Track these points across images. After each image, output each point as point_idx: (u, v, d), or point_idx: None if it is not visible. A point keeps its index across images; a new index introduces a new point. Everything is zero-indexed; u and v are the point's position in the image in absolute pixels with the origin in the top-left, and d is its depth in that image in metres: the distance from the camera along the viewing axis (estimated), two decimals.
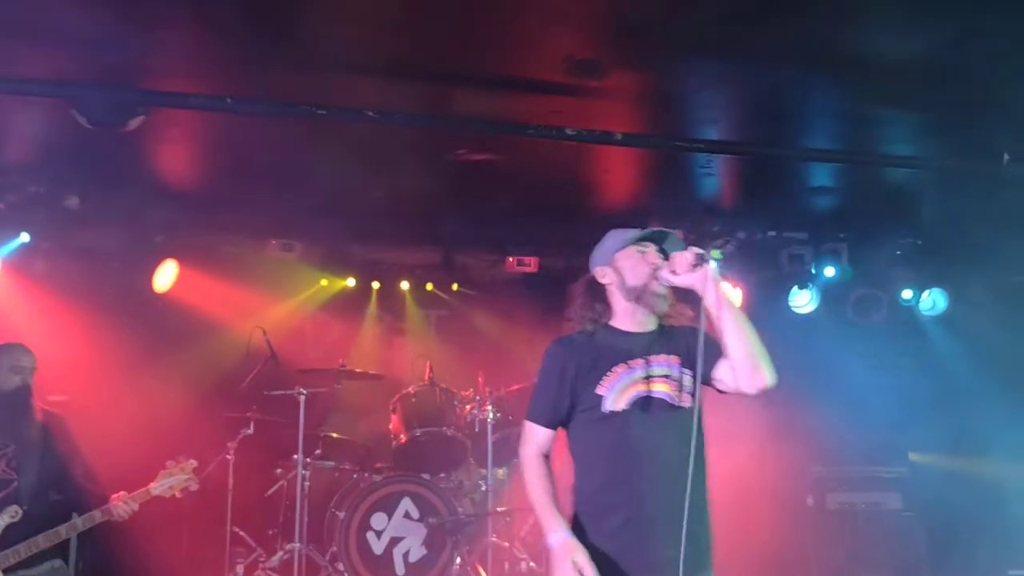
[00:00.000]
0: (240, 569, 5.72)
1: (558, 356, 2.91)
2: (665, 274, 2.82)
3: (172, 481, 4.03)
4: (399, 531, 5.81)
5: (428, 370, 6.24)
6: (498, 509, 5.91)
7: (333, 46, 3.97)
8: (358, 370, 6.37)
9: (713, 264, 2.79)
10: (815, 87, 4.53)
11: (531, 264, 7.17)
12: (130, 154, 5.14)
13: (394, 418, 6.16)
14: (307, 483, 5.80)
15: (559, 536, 2.69)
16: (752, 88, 4.52)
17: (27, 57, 3.96)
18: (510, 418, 6.02)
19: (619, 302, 2.94)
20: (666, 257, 2.89)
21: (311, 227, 6.68)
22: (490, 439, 5.84)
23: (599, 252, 3.03)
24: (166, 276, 6.41)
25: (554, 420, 2.91)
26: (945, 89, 4.40)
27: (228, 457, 5.79)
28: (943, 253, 6.78)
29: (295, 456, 5.81)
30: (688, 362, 2.85)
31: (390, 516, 5.82)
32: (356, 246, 7.26)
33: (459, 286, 7.59)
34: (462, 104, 4.65)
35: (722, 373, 2.84)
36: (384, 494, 5.85)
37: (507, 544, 5.81)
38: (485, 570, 5.73)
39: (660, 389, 2.81)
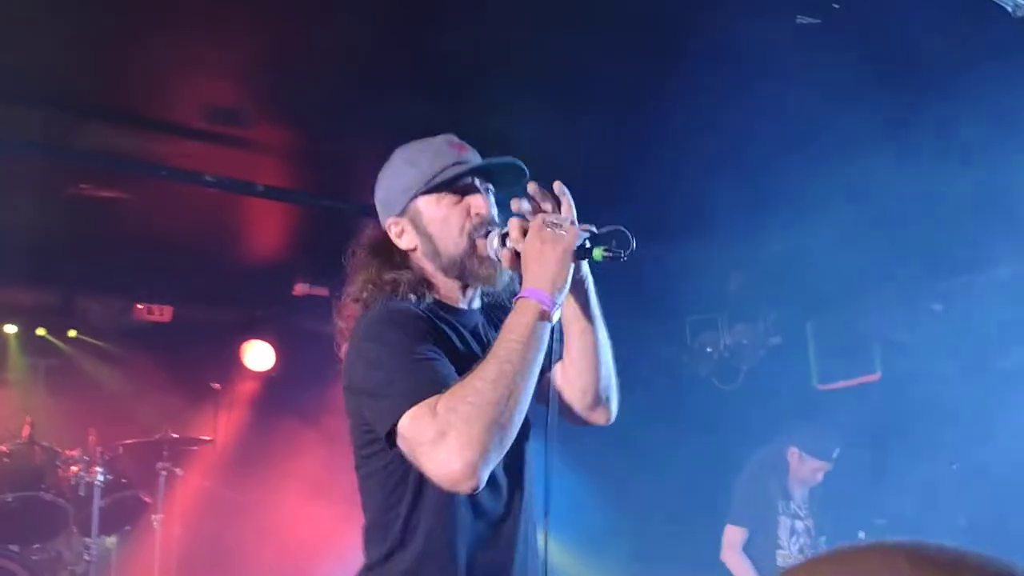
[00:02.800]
0: None
1: (420, 318, 1.79)
2: (507, 244, 1.80)
3: None
4: None
5: (28, 425, 5.55)
6: None
7: None
8: None
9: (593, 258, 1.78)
10: None
11: (164, 313, 6.73)
12: None
13: None
14: None
15: None
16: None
17: None
18: (123, 481, 5.53)
19: (434, 274, 1.92)
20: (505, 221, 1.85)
21: None
22: (97, 504, 5.30)
23: (387, 193, 1.94)
24: None
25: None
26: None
27: None
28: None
29: None
30: None
31: None
32: None
33: (78, 333, 6.89)
34: (89, 137, 4.29)
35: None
36: None
37: None
38: None
39: None
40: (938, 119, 3.69)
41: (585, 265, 1.87)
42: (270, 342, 7.08)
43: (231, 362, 6.99)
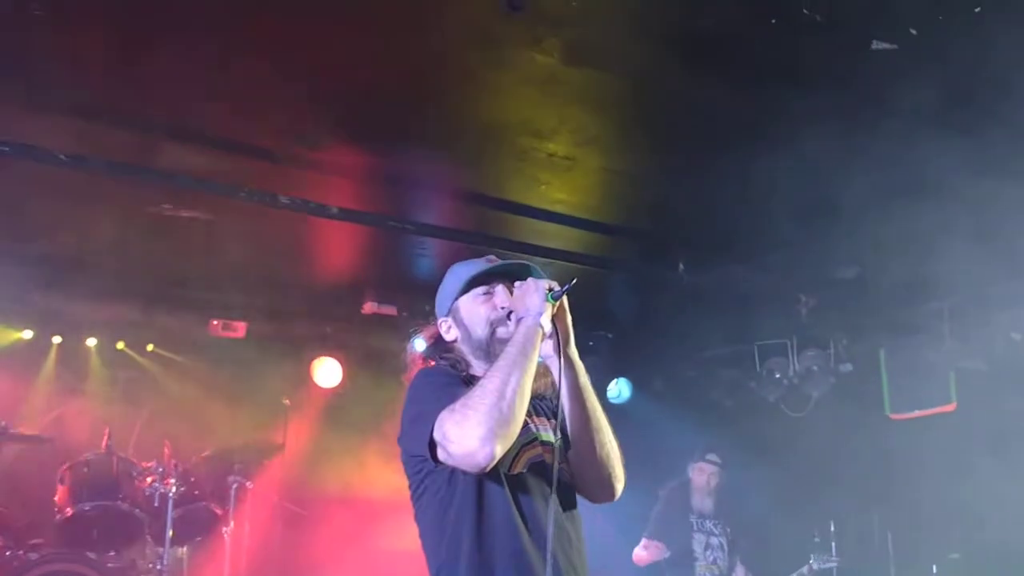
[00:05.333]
0: None
1: (448, 372, 2.31)
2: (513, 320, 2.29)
3: None
4: None
5: (106, 437, 5.73)
6: None
7: (24, 79, 3.67)
8: (21, 432, 5.71)
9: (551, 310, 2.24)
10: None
11: (239, 329, 6.89)
12: None
13: (61, 488, 5.55)
14: None
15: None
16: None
17: None
18: (196, 493, 5.66)
19: (469, 357, 2.38)
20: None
21: None
22: (170, 515, 5.43)
23: (440, 298, 2.47)
24: None
25: None
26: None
27: None
28: (631, 346, 7.40)
29: None
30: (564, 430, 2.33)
31: None
32: (38, 295, 6.59)
33: (155, 347, 7.10)
34: (169, 157, 4.44)
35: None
36: (38, 574, 5.21)
37: None
38: None
39: (549, 459, 2.25)
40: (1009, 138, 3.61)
41: (573, 350, 2.31)
42: (338, 359, 7.20)
43: (301, 378, 7.12)
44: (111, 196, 4.93)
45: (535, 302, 2.21)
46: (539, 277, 2.32)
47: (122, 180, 4.62)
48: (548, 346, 2.26)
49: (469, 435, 2.00)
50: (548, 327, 2.21)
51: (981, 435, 5.22)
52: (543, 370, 2.30)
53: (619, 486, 2.36)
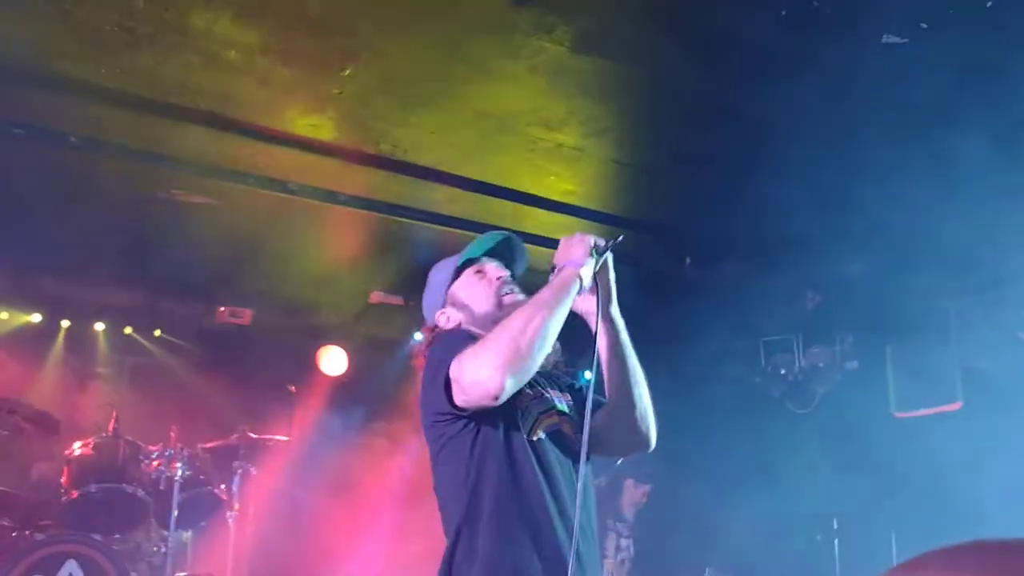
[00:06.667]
0: None
1: (467, 333, 2.27)
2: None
3: None
4: None
5: (113, 420, 5.75)
6: (177, 574, 5.51)
7: (38, 58, 3.69)
8: (32, 405, 5.73)
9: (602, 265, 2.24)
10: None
11: (244, 316, 6.92)
12: None
13: (67, 470, 5.59)
14: None
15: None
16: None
17: None
18: (201, 477, 5.67)
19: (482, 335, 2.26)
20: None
21: None
22: (176, 498, 5.46)
23: (429, 295, 2.45)
24: None
25: None
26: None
27: None
28: (635, 339, 7.38)
29: None
30: (577, 404, 2.34)
31: None
32: (47, 279, 6.63)
33: (163, 332, 7.13)
34: (179, 143, 4.45)
35: (598, 427, 2.25)
36: (44, 555, 5.23)
37: None
38: None
39: (566, 429, 2.27)
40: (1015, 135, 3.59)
41: (615, 308, 2.30)
42: (344, 347, 7.22)
43: (307, 365, 7.14)
44: (121, 181, 4.95)
45: (579, 253, 2.19)
46: (522, 248, 2.42)
47: (133, 165, 4.64)
48: (590, 303, 2.24)
49: (482, 364, 1.98)
50: (588, 281, 2.19)
51: (987, 434, 5.20)
52: (556, 347, 2.24)
53: (654, 436, 2.39)
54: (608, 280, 2.27)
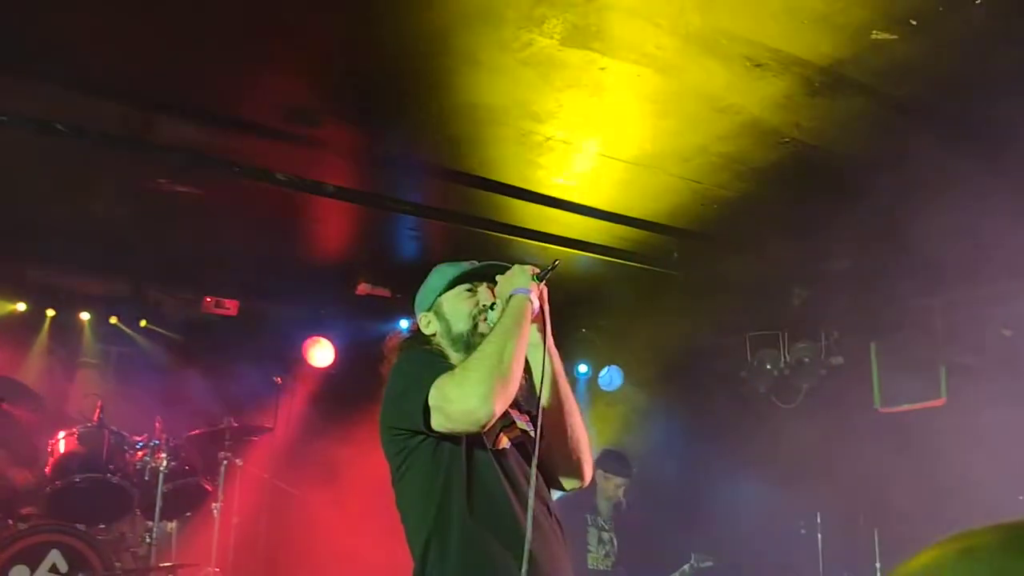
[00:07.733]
0: None
1: (433, 353, 2.42)
2: (495, 316, 2.37)
3: None
4: None
5: (98, 410, 5.73)
6: (161, 565, 5.49)
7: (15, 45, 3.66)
8: (24, 382, 5.73)
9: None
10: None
11: (231, 307, 6.90)
12: None
13: (52, 460, 5.56)
14: None
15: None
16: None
17: None
18: (186, 468, 5.66)
19: (451, 355, 2.42)
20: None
21: None
22: (160, 489, 5.45)
23: (422, 294, 2.54)
24: None
25: None
26: None
27: None
28: (622, 334, 7.41)
29: None
30: (532, 421, 2.40)
31: (33, 570, 5.17)
32: (32, 269, 6.58)
33: (148, 322, 7.09)
34: (166, 132, 4.42)
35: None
36: (28, 544, 5.21)
37: None
38: None
39: (526, 440, 2.37)
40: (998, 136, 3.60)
41: (550, 339, 2.37)
42: (331, 339, 7.21)
43: (293, 357, 7.13)
44: (107, 169, 4.91)
45: (522, 280, 2.34)
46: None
47: (119, 154, 4.60)
48: (531, 331, 2.33)
49: (470, 393, 2.08)
50: (536, 304, 2.32)
51: (970, 430, 5.24)
52: None
53: (588, 471, 2.49)
54: (544, 311, 2.37)
